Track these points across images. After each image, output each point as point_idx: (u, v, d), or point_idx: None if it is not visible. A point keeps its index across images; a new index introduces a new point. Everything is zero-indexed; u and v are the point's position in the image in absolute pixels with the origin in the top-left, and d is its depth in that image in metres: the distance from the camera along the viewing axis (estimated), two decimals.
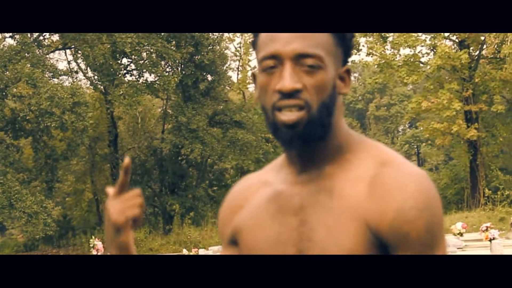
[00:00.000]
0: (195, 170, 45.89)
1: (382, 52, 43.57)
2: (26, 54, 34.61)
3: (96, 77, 41.46)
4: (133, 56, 39.63)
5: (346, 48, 2.01)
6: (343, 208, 1.89)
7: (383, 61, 43.56)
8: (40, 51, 37.20)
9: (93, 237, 32.91)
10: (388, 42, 43.53)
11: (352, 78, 2.08)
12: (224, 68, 44.17)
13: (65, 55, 43.32)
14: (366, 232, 1.86)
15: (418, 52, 44.01)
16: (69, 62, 43.42)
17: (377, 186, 1.87)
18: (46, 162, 40.68)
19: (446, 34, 43.22)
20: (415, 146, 70.07)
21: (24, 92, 34.17)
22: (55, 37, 39.49)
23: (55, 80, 36.36)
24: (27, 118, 35.40)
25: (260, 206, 2.06)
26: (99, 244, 30.88)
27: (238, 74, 48.87)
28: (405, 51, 43.57)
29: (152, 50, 38.55)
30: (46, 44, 39.27)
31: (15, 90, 34.48)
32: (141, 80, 40.39)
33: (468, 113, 42.06)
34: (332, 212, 1.90)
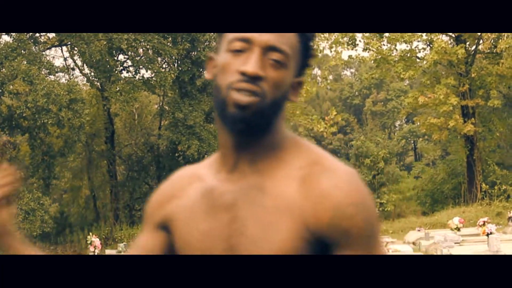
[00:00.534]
0: None
1: (379, 48, 43.69)
2: (22, 51, 34.60)
3: (92, 73, 41.49)
4: (129, 53, 39.59)
5: (305, 60, 2.04)
6: (276, 206, 1.91)
7: (380, 57, 43.70)
8: (36, 48, 37.17)
9: (90, 233, 32.93)
10: (384, 37, 43.59)
11: (301, 89, 2.12)
12: None
13: (62, 52, 43.55)
14: (302, 230, 1.88)
15: (415, 47, 44.13)
16: (65, 59, 43.55)
17: (311, 185, 1.90)
18: (43, 159, 40.66)
19: None
20: (412, 141, 70.26)
21: (20, 89, 34.09)
22: (51, 34, 39.50)
23: (52, 77, 36.36)
24: (24, 115, 35.36)
25: (194, 200, 2.08)
26: (96, 241, 30.91)
27: None
28: (402, 46, 43.55)
29: (148, 47, 38.50)
30: (42, 41, 39.23)
31: (11, 87, 34.39)
32: (137, 77, 40.36)
33: (464, 108, 42.16)
34: (265, 209, 1.92)
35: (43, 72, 35.12)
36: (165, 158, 42.36)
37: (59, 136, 39.80)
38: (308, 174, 1.92)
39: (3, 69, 33.70)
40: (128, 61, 40.90)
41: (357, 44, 45.04)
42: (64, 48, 41.48)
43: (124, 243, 33.91)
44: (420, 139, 65.64)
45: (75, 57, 41.77)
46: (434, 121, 42.98)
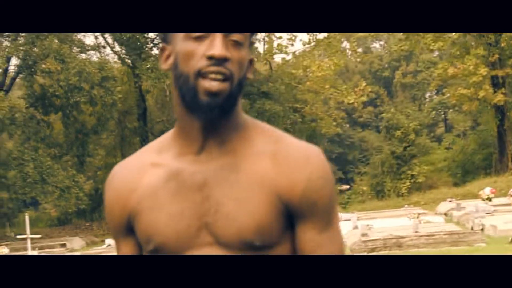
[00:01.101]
0: None
1: None
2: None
3: (123, 51, 41.57)
4: None
5: (252, 38, 2.06)
6: (250, 182, 1.95)
7: None
8: None
9: None
10: None
11: (255, 65, 2.17)
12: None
13: None
14: (277, 203, 1.94)
15: None
16: (96, 37, 43.51)
17: (281, 161, 1.97)
18: (77, 137, 40.95)
19: None
20: (443, 113, 69.88)
21: (52, 67, 34.22)
22: None
23: (83, 55, 36.57)
24: (56, 93, 35.55)
25: (156, 186, 2.05)
26: None
27: (264, 45, 48.74)
28: None
29: None
30: None
31: (43, 66, 34.56)
32: None
33: (494, 78, 41.84)
34: (239, 186, 1.96)
35: (74, 51, 35.34)
36: None
37: (92, 114, 40.00)
38: (277, 150, 1.99)
39: (35, 48, 33.90)
40: (159, 37, 40.96)
41: None
42: None
43: None
44: (451, 110, 65.24)
45: (106, 35, 41.84)
46: (464, 92, 42.69)
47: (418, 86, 71.29)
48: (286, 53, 47.77)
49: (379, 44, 78.49)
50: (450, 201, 32.68)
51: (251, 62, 2.06)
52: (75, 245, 29.99)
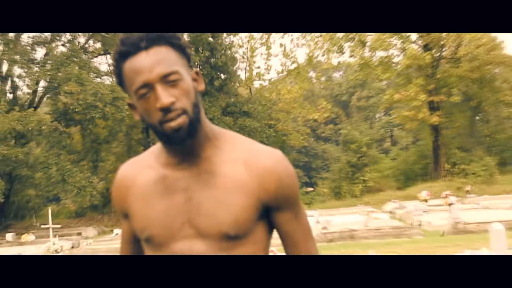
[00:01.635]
0: None
1: (362, 55, 43.61)
2: (74, 59, 34.65)
3: None
4: None
5: (188, 57, 2.05)
6: (228, 185, 1.98)
7: (363, 62, 43.63)
8: (86, 56, 37.19)
9: None
10: (366, 46, 43.53)
11: (202, 77, 2.12)
12: (234, 68, 44.07)
13: (106, 59, 43.26)
14: (253, 201, 1.97)
15: (391, 54, 43.99)
16: (109, 65, 43.39)
17: (255, 164, 1.99)
18: (92, 146, 40.90)
19: (413, 39, 43.21)
20: (389, 130, 69.92)
21: (73, 89, 34.16)
22: (98, 44, 39.48)
23: (98, 79, 36.37)
24: (76, 110, 35.39)
25: (148, 185, 2.09)
26: None
27: (245, 73, 48.72)
28: (380, 53, 43.43)
29: None
30: (90, 50, 39.25)
31: (66, 88, 34.50)
32: None
33: (431, 103, 42.16)
34: (218, 188, 1.98)
35: (91, 76, 35.16)
36: None
37: (105, 127, 39.86)
38: (248, 157, 2.01)
39: (60, 74, 33.76)
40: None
41: (344, 52, 44.99)
42: (108, 56, 41.45)
43: None
44: (396, 128, 65.35)
45: None
46: (407, 114, 43.03)
47: (370, 108, 71.35)
48: (263, 80, 47.96)
49: (339, 74, 78.55)
50: (394, 201, 32.83)
51: (197, 74, 2.07)
52: (89, 234, 29.85)
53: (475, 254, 9.46)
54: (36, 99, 37.41)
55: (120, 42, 1.95)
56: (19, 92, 37.57)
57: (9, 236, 28.44)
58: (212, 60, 40.56)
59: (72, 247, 22.64)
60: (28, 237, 25.28)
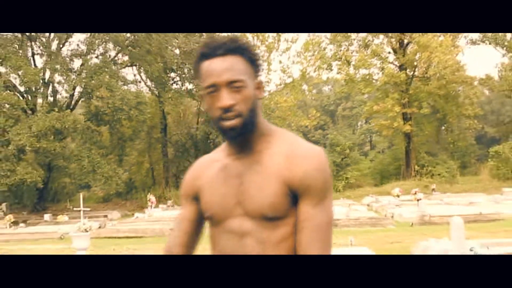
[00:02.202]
0: None
1: (347, 72, 43.66)
2: (106, 69, 34.71)
3: (153, 85, 41.54)
4: (178, 71, 39.59)
5: (256, 68, 2.08)
6: (268, 173, 2.01)
7: (348, 78, 43.68)
8: (115, 67, 37.20)
9: (149, 193, 33.08)
10: (351, 65, 43.59)
11: (264, 86, 2.16)
12: None
13: (132, 70, 43.36)
14: (284, 188, 1.98)
15: (372, 72, 44.01)
16: (134, 75, 43.53)
17: (291, 158, 2.00)
18: (118, 142, 41.00)
19: (391, 60, 43.27)
20: (369, 136, 69.90)
21: (104, 94, 34.28)
22: (126, 57, 39.49)
23: (125, 87, 36.40)
24: (106, 112, 35.44)
25: (214, 174, 2.17)
26: (152, 198, 31.03)
27: None
28: (363, 71, 43.44)
29: (191, 67, 38.40)
30: (119, 62, 39.26)
31: (98, 93, 34.62)
32: (183, 88, 40.35)
33: (404, 114, 42.21)
34: (261, 176, 2.02)
35: (119, 84, 35.19)
36: (200, 143, 42.24)
37: (129, 127, 39.90)
38: (290, 150, 2.03)
39: (93, 81, 33.82)
40: (177, 77, 40.83)
41: (333, 69, 45.00)
42: (134, 67, 41.48)
43: (170, 200, 33.98)
44: (374, 134, 65.31)
45: (141, 74, 41.72)
46: (384, 123, 43.04)
47: (353, 117, 71.36)
48: (264, 91, 47.70)
49: (328, 87, 78.42)
50: (371, 196, 32.79)
51: (260, 83, 2.10)
52: (114, 216, 29.81)
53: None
54: (73, 102, 37.41)
55: (204, 45, 2.04)
56: (58, 96, 37.53)
57: (46, 216, 28.49)
58: None
59: (99, 227, 22.64)
60: (63, 217, 25.22)
